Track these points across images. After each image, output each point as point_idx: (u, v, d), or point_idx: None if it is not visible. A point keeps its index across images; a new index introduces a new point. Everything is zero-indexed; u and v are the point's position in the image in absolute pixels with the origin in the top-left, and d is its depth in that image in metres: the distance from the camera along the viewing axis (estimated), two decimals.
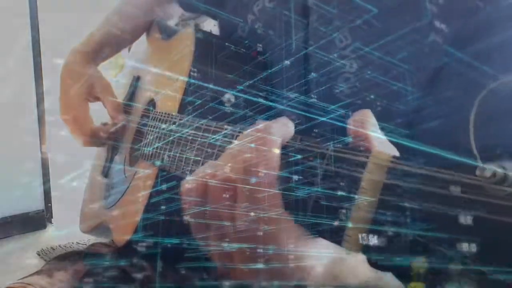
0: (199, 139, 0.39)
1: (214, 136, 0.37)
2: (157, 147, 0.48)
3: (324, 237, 0.27)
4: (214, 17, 0.58)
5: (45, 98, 1.89)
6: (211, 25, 0.58)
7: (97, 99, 0.66)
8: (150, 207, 0.46)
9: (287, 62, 0.46)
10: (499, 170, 0.19)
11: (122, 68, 0.87)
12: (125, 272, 0.49)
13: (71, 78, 0.66)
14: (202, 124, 0.39)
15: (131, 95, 0.70)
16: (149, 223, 0.45)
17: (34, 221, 1.93)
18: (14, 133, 1.80)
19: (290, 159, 0.29)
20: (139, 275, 0.49)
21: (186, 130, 0.41)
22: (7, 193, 1.83)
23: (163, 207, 0.41)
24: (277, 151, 0.28)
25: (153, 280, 0.49)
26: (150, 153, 0.50)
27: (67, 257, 0.53)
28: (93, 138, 0.65)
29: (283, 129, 0.30)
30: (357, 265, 0.28)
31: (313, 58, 0.45)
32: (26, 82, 1.85)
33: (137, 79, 0.71)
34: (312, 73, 0.44)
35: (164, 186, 0.41)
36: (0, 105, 1.70)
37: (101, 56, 0.68)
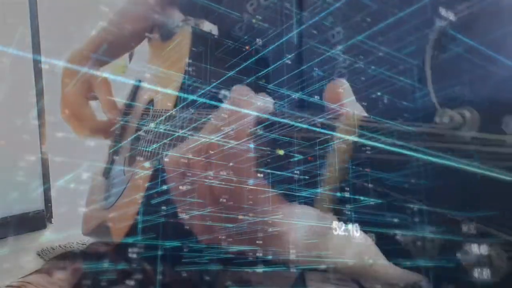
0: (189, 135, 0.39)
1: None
2: (153, 146, 0.49)
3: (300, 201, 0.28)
4: (213, 21, 0.58)
5: (45, 98, 1.89)
6: (210, 25, 0.59)
7: (94, 97, 0.67)
8: (145, 208, 0.46)
9: (285, 59, 0.46)
10: (457, 115, 0.20)
11: (124, 70, 0.88)
12: (123, 271, 0.49)
13: (71, 79, 0.66)
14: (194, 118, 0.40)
15: (133, 97, 0.71)
16: (145, 222, 0.46)
17: (34, 221, 1.93)
18: (13, 133, 1.80)
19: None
20: (136, 275, 0.49)
21: (182, 131, 0.41)
22: (7, 193, 1.83)
23: (162, 207, 0.42)
24: (251, 112, 0.29)
25: (151, 280, 0.50)
26: (147, 152, 0.50)
27: (67, 256, 0.54)
28: (98, 134, 0.66)
29: (260, 100, 0.30)
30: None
31: (307, 53, 0.46)
32: (25, 82, 1.85)
33: (138, 81, 0.71)
34: (305, 69, 0.45)
35: (161, 187, 0.41)
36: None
37: (102, 58, 0.69)
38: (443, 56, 0.32)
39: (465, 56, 0.33)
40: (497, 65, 0.32)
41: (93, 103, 0.68)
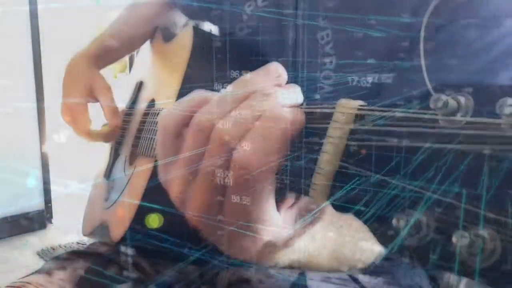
0: None
1: None
2: (150, 139, 0.49)
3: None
4: (214, 22, 0.59)
5: (45, 97, 1.89)
6: (210, 26, 0.59)
7: (96, 100, 0.67)
8: (145, 203, 0.46)
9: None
10: (452, 100, 0.20)
11: (124, 69, 0.88)
12: (123, 269, 0.49)
13: (73, 81, 0.67)
14: None
15: (135, 100, 0.71)
16: (143, 219, 0.46)
17: (34, 221, 1.93)
18: (14, 133, 1.80)
19: None
20: (135, 272, 0.49)
21: None
22: (7, 193, 1.83)
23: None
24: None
25: (150, 276, 0.50)
26: (145, 146, 0.51)
27: (67, 256, 0.54)
28: (91, 139, 0.66)
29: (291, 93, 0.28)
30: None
31: (301, 57, 0.46)
32: (26, 81, 1.85)
33: (140, 83, 0.72)
34: (295, 73, 0.45)
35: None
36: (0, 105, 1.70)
37: (104, 61, 0.69)
38: (439, 37, 0.32)
39: (459, 39, 0.33)
40: (491, 49, 0.32)
41: (94, 105, 0.68)
